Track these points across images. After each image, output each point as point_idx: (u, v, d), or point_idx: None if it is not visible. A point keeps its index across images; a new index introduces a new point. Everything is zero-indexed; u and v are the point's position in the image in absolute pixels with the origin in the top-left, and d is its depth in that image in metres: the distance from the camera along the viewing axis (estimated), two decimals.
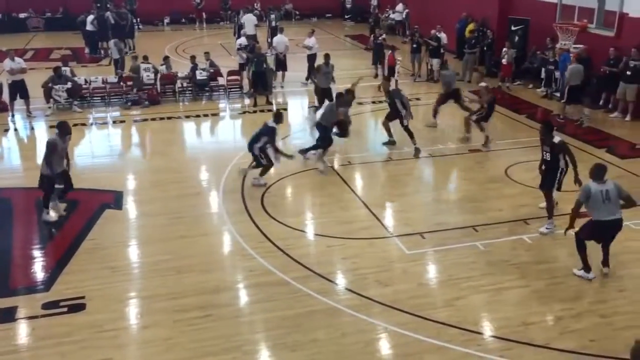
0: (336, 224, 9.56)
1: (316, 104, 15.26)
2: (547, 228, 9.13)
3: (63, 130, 9.62)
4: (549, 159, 9.10)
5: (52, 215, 9.77)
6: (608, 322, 7.05)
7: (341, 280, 8.05)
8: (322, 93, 15.04)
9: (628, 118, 14.65)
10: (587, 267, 7.87)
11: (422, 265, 8.46)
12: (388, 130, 12.88)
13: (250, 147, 10.81)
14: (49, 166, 9.44)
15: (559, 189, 9.20)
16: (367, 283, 7.90)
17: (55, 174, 9.53)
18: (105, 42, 23.51)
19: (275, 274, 8.11)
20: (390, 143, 12.96)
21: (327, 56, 15.49)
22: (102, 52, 23.20)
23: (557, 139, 9.10)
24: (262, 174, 10.95)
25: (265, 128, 10.82)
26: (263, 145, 10.70)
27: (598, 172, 7.53)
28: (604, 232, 7.65)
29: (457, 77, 15.19)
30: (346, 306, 7.40)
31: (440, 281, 8.09)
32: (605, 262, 7.94)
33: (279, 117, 11.07)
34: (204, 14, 30.45)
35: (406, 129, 12.43)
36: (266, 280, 7.99)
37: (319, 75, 15.27)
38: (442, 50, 18.77)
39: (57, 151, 9.47)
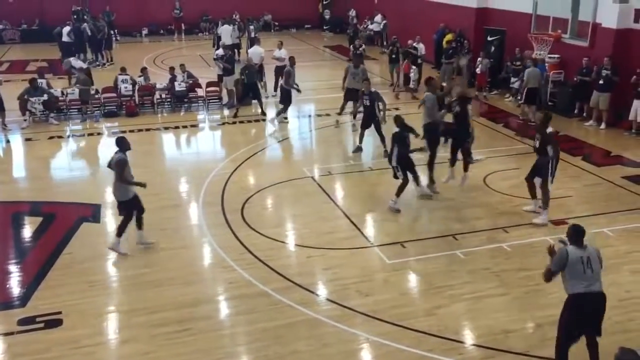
0: (317, 235, 9.54)
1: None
2: (542, 218, 9.55)
3: (124, 146, 8.86)
4: (537, 147, 9.49)
5: (124, 248, 8.95)
6: None
7: (322, 291, 8.03)
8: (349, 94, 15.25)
9: (603, 126, 14.90)
10: None
11: (403, 275, 8.47)
12: (362, 137, 13.09)
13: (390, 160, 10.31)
14: (125, 190, 8.77)
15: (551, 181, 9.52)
16: (348, 293, 7.88)
17: (131, 198, 8.86)
18: (82, 53, 23.36)
19: (256, 286, 8.06)
20: (359, 150, 13.19)
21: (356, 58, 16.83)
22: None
23: (549, 129, 9.44)
24: (398, 194, 10.17)
25: (395, 136, 10.14)
26: (397, 157, 10.07)
27: (578, 236, 6.08)
28: (585, 311, 5.99)
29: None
30: (327, 317, 7.38)
31: (421, 290, 8.11)
32: None
33: (400, 122, 10.26)
34: (183, 24, 30.38)
35: (380, 133, 12.76)
36: (247, 292, 7.94)
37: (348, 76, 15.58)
38: (419, 61, 18.94)
39: (128, 167, 8.77)
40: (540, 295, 7.80)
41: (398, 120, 10.24)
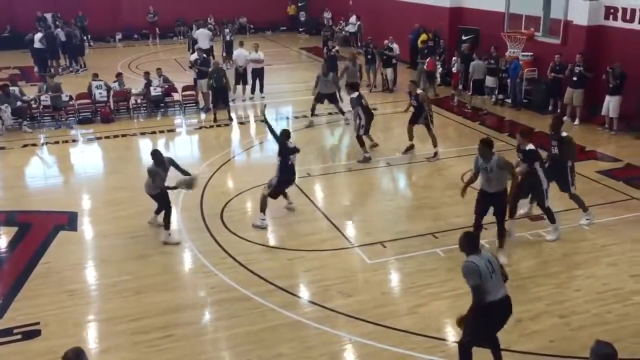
0: (297, 237, 9.54)
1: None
2: (587, 219, 9.56)
3: (158, 160, 9.24)
4: (557, 152, 9.30)
5: (175, 238, 9.46)
6: (566, 322, 7.22)
7: (304, 293, 8.02)
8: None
9: (577, 122, 15.13)
10: None
11: (384, 274, 8.51)
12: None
13: None
14: (152, 186, 9.33)
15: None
16: (330, 294, 7.89)
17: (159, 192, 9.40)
18: (55, 60, 23.08)
19: (238, 290, 8.02)
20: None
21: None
22: (52, 70, 22.67)
23: (564, 133, 9.42)
24: None
25: None
26: None
27: (474, 243, 5.85)
28: (499, 318, 5.81)
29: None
30: (310, 319, 7.38)
31: (402, 289, 8.15)
32: None
33: None
34: (157, 29, 30.13)
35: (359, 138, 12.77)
36: (228, 297, 7.90)
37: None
38: (394, 61, 19.06)
39: (160, 176, 9.24)
40: (518, 291, 7.87)
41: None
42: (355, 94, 12.93)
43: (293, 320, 7.36)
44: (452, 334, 7.09)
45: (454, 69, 18.04)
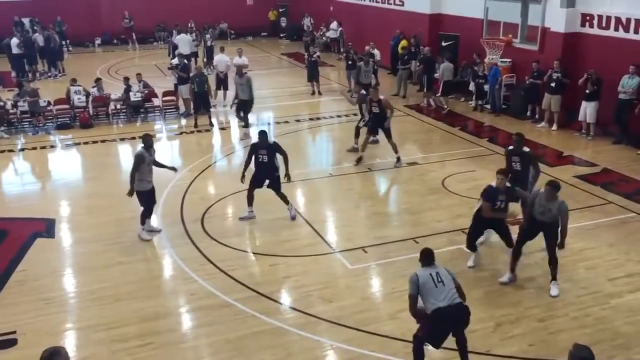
0: (278, 242, 9.51)
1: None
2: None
3: (147, 143, 9.57)
4: (519, 169, 9.13)
5: (147, 235, 9.70)
6: (545, 325, 7.29)
7: (285, 299, 7.99)
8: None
9: (554, 128, 15.32)
10: None
11: (366, 280, 8.51)
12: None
13: None
14: (140, 182, 9.45)
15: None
16: (311, 300, 7.87)
17: (148, 190, 9.59)
18: (33, 64, 22.78)
19: (218, 297, 7.97)
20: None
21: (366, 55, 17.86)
22: (30, 75, 22.40)
23: (526, 148, 9.34)
24: None
25: None
26: None
27: (427, 257, 6.35)
28: (447, 324, 6.14)
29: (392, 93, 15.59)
30: (291, 325, 7.35)
31: (383, 294, 8.16)
32: None
33: None
34: (134, 34, 29.87)
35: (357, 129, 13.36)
36: (209, 304, 7.84)
37: (360, 73, 17.01)
38: (375, 67, 19.13)
39: (144, 164, 9.45)
40: (498, 295, 7.95)
41: None
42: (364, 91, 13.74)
43: (274, 327, 7.32)
44: None
45: (437, 75, 18.17)
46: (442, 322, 6.05)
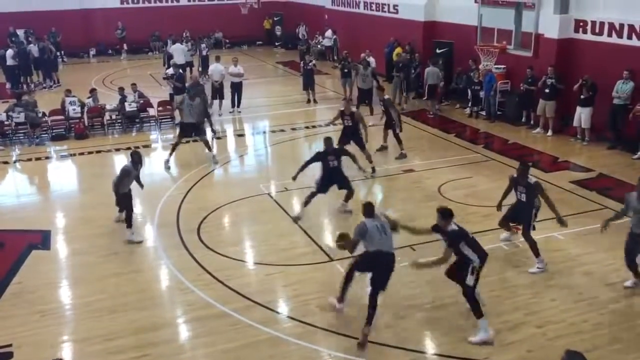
0: (275, 252, 9.49)
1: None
2: (538, 268, 8.71)
3: (136, 159, 10.01)
4: (524, 200, 8.72)
5: (138, 237, 10.00)
6: (542, 332, 7.27)
7: (283, 309, 7.97)
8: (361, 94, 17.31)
9: (549, 133, 15.37)
10: (342, 298, 7.71)
11: (362, 288, 8.46)
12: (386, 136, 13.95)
13: None
14: (122, 186, 9.91)
15: (534, 228, 8.88)
16: (309, 309, 7.85)
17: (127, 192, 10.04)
18: (28, 76, 22.77)
19: (215, 307, 7.94)
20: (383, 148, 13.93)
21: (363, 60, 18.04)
22: (25, 86, 22.40)
23: (532, 179, 8.85)
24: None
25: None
26: None
27: (369, 210, 7.39)
28: (380, 264, 7.21)
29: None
30: (289, 334, 7.32)
31: (380, 303, 8.06)
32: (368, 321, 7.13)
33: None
34: (125, 44, 29.87)
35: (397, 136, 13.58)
36: (206, 314, 7.81)
37: (358, 77, 17.40)
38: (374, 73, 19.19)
39: (128, 178, 9.95)
40: (496, 302, 7.94)
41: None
42: (387, 96, 14.03)
43: (272, 336, 7.30)
44: (431, 347, 7.11)
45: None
46: (378, 262, 7.23)
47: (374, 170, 12.68)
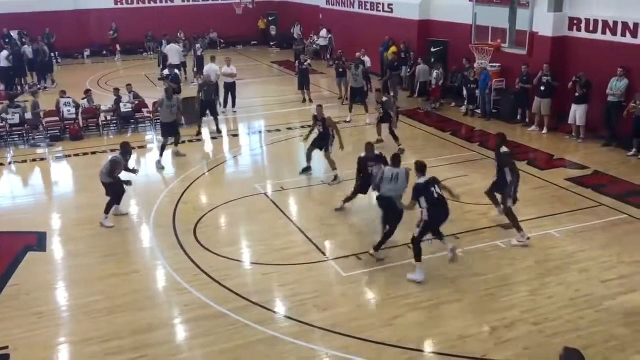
0: (272, 251, 9.48)
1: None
2: (519, 241, 9.25)
3: (125, 150, 10.56)
4: (497, 168, 9.46)
5: (110, 222, 10.48)
6: (539, 329, 7.28)
7: (280, 308, 7.96)
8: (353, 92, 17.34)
9: (545, 131, 15.40)
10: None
11: (360, 287, 8.50)
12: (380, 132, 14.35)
13: None
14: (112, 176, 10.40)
15: (514, 202, 9.28)
16: (306, 309, 7.85)
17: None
18: (22, 77, 22.68)
19: (212, 307, 7.92)
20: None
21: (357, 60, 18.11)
22: (19, 88, 22.32)
23: (503, 149, 9.38)
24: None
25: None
26: None
27: (396, 161, 8.99)
28: (382, 206, 9.02)
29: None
30: (286, 334, 7.32)
31: (378, 301, 8.15)
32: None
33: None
34: (118, 45, 29.77)
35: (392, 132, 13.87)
36: (203, 314, 7.80)
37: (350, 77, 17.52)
38: (367, 73, 19.17)
39: (119, 169, 10.48)
40: (493, 300, 7.96)
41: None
42: (385, 98, 14.44)
43: (269, 336, 7.29)
44: (428, 345, 7.11)
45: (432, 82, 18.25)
46: (380, 203, 9.06)
47: (336, 177, 12.36)
